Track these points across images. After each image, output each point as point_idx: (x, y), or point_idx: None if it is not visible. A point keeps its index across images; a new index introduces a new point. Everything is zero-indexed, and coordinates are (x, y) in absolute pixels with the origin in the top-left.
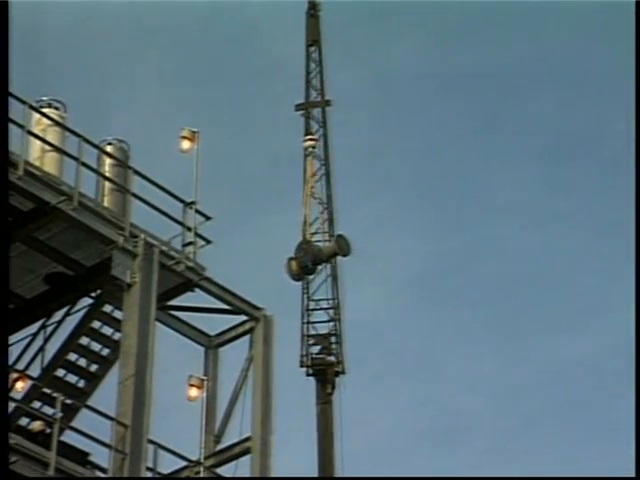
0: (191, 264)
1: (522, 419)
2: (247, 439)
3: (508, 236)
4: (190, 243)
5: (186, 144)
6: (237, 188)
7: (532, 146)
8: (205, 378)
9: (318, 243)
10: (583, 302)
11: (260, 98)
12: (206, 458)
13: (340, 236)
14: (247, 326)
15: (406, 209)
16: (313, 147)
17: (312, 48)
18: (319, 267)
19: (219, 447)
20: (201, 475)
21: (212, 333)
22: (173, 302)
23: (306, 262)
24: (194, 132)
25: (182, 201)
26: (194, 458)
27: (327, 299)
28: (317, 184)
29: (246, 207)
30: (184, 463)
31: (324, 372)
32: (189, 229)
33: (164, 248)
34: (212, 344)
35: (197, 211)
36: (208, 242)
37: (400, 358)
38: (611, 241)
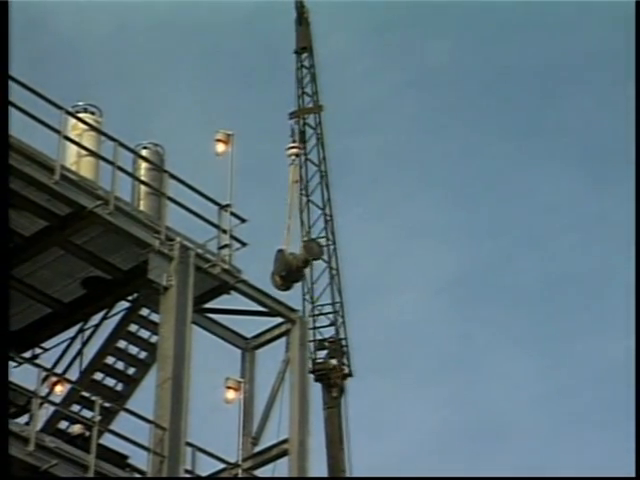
0: (227, 267)
1: (564, 421)
2: (284, 441)
3: (548, 237)
4: (226, 246)
5: (221, 147)
6: (272, 190)
7: (571, 146)
8: (242, 380)
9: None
10: (624, 302)
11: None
12: (244, 460)
13: (310, 240)
14: (283, 328)
15: (445, 210)
16: (297, 155)
17: (304, 55)
18: (303, 272)
19: (257, 449)
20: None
21: (248, 335)
22: (209, 305)
23: (280, 272)
24: (229, 135)
25: (217, 204)
26: (232, 460)
27: (330, 303)
28: (305, 189)
29: (282, 209)
30: (222, 465)
31: (327, 376)
32: (224, 232)
33: (200, 251)
34: (249, 346)
35: (232, 213)
36: (243, 244)
37: (440, 360)
38: None
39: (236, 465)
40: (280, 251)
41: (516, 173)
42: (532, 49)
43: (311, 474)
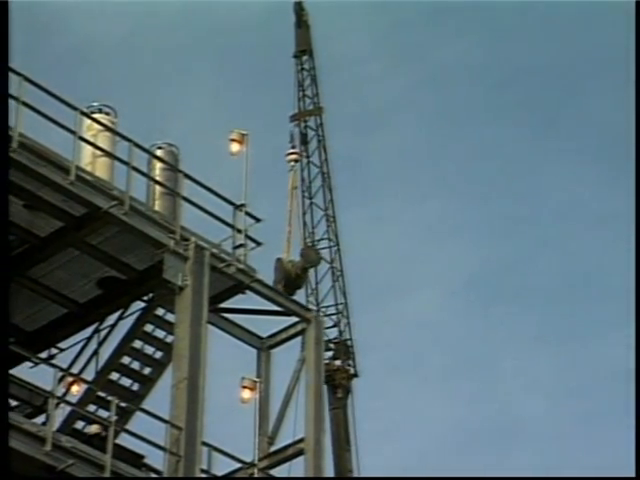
0: (242, 266)
1: (580, 419)
2: (300, 440)
3: (564, 236)
4: (241, 245)
5: (235, 147)
6: (287, 190)
7: (588, 145)
8: (258, 380)
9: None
10: None
11: None
12: (260, 460)
13: (308, 247)
14: (299, 327)
15: (460, 210)
16: (296, 161)
17: (304, 58)
18: (304, 278)
19: (273, 449)
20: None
21: (264, 335)
22: (225, 304)
23: (280, 280)
24: (243, 134)
25: (232, 203)
26: (248, 460)
27: (333, 305)
28: (307, 191)
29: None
30: (238, 465)
31: (332, 377)
32: (239, 231)
33: (215, 251)
34: (264, 346)
35: (247, 213)
36: (258, 244)
37: (456, 359)
38: None
39: (252, 464)
40: (279, 259)
41: (532, 172)
42: (546, 48)
43: (327, 473)
